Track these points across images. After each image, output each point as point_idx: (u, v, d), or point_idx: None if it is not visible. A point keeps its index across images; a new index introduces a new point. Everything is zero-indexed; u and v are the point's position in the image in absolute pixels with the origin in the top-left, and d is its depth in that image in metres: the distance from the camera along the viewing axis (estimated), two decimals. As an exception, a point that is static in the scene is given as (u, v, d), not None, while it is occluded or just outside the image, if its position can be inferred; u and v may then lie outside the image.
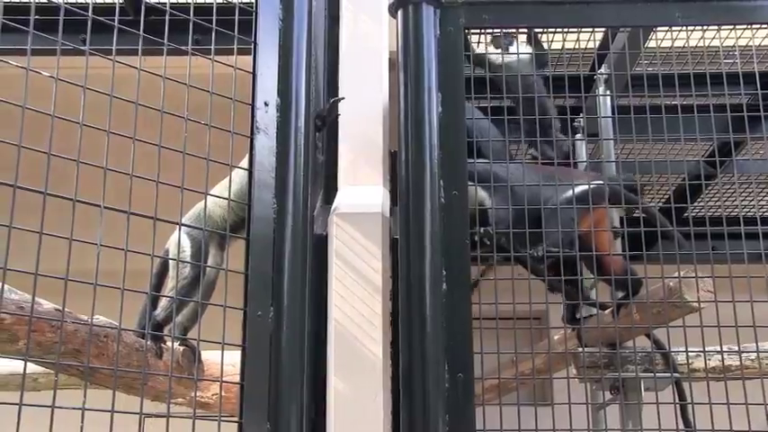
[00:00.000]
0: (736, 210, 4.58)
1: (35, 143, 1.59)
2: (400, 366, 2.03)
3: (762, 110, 2.57)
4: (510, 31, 2.85)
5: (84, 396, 1.61)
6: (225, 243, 2.85)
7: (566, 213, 2.62)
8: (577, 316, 3.10)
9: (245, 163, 2.10)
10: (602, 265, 2.86)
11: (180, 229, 2.82)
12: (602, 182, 2.88)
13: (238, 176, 2.14)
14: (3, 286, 2.27)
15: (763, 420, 2.14)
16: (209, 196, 2.20)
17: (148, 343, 2.74)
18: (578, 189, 2.78)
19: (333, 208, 2.35)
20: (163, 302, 2.80)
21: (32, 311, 2.18)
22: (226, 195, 2.16)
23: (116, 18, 1.85)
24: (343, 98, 2.37)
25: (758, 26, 2.61)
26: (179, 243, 2.79)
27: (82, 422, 1.59)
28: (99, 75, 1.73)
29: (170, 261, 2.89)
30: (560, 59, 3.26)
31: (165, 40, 1.91)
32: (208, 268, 2.77)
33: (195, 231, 2.79)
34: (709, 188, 4.76)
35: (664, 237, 2.65)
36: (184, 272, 2.80)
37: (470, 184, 2.22)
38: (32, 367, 3.10)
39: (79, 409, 1.59)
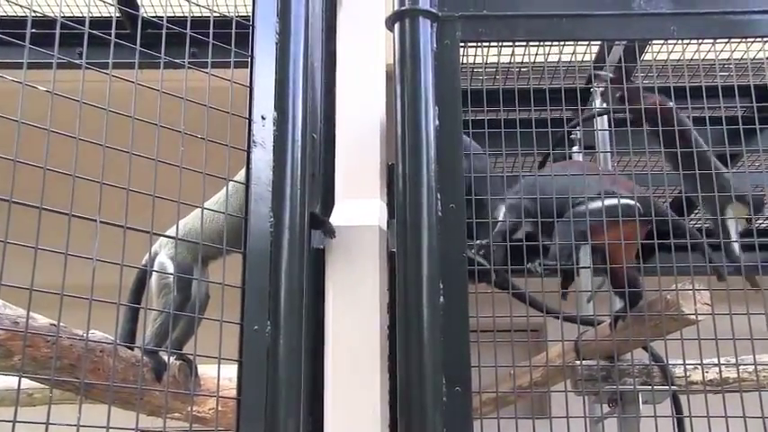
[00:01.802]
0: (732, 222, 4.57)
1: (31, 157, 1.59)
2: (398, 380, 2.03)
3: (757, 122, 2.58)
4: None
5: (80, 412, 1.60)
6: (207, 260, 2.80)
7: (578, 225, 2.59)
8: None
9: (239, 177, 2.10)
10: (616, 276, 2.87)
11: (161, 252, 2.78)
12: (633, 196, 2.82)
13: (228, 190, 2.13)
14: (-2, 301, 2.27)
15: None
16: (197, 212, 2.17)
17: (145, 359, 2.73)
18: (610, 202, 2.71)
19: (329, 221, 2.34)
20: (149, 330, 2.76)
21: (27, 327, 2.17)
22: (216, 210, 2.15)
23: (113, 32, 1.84)
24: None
25: (752, 39, 2.62)
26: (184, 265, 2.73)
27: (77, 438, 1.58)
28: (95, 88, 1.73)
29: (153, 282, 2.84)
30: (557, 72, 3.27)
31: (162, 54, 1.91)
32: (194, 290, 2.73)
33: (178, 255, 2.74)
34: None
35: (693, 249, 2.65)
36: (169, 298, 2.75)
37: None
38: (27, 383, 3.08)
39: (74, 425, 1.58)
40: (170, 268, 2.76)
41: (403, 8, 2.27)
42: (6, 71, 1.71)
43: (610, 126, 3.53)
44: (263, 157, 1.99)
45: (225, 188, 2.25)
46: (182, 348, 2.83)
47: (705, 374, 3.02)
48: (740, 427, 2.11)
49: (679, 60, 2.57)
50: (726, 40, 2.51)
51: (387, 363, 2.18)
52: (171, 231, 2.29)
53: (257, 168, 1.98)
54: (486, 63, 2.66)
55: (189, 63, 1.93)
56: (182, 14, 3.52)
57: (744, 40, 2.61)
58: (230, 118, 1.97)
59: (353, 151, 2.47)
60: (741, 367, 2.72)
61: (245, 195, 1.99)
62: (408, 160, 2.15)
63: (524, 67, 2.96)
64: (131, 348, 2.79)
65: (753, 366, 2.77)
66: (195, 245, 2.55)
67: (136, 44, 1.87)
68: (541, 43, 2.52)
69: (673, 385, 2.98)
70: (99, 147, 1.71)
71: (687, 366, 3.02)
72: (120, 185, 1.71)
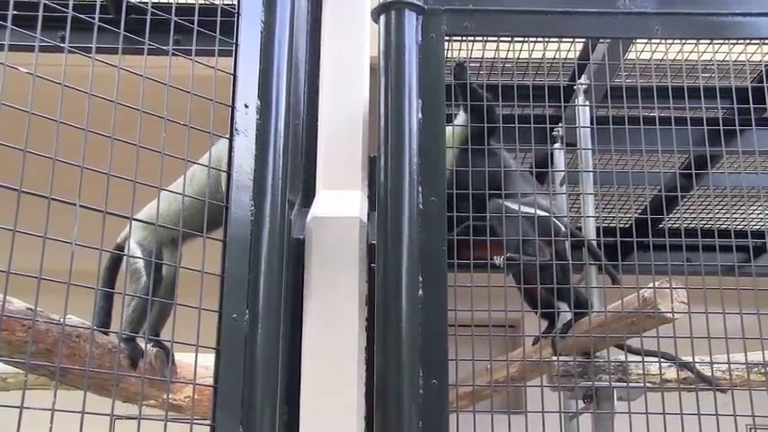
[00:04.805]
0: (710, 222, 4.62)
1: (12, 140, 1.57)
2: (375, 371, 2.03)
3: (737, 124, 2.60)
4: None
5: (55, 396, 1.59)
6: (178, 241, 2.81)
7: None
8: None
9: (204, 159, 2.12)
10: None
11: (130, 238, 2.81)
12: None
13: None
14: (-26, 284, 2.25)
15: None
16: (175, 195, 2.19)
17: (122, 345, 2.72)
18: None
19: (310, 212, 2.35)
20: (124, 316, 2.77)
21: (3, 310, 2.15)
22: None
23: (96, 16, 1.83)
24: None
25: (734, 41, 2.64)
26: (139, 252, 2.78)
27: (51, 423, 1.57)
28: (77, 73, 1.71)
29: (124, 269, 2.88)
30: (540, 69, 3.28)
31: (146, 40, 1.89)
32: (164, 273, 2.74)
33: (145, 240, 2.77)
34: (685, 200, 4.80)
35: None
36: (140, 282, 2.78)
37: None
38: (2, 367, 3.07)
39: (48, 410, 1.57)
40: (136, 253, 2.79)
41: (389, 0, 2.27)
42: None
43: (592, 123, 3.54)
44: (245, 146, 1.98)
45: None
46: (158, 335, 2.83)
47: (680, 373, 3.05)
48: (712, 424, 2.13)
49: (662, 60, 2.59)
50: (708, 41, 2.53)
51: (364, 354, 2.18)
52: (139, 215, 2.31)
53: (239, 156, 1.97)
54: (471, 57, 2.66)
55: (173, 50, 1.92)
56: (166, 1, 3.49)
57: (726, 41, 2.63)
58: (213, 106, 1.96)
59: (336, 143, 2.47)
60: (715, 366, 2.75)
61: (207, 179, 2.00)
62: (391, 152, 2.15)
63: (508, 63, 2.98)
64: (107, 334, 2.78)
65: (726, 365, 2.80)
66: (160, 228, 2.53)
67: (120, 29, 1.86)
68: (526, 39, 2.53)
69: (704, 381, 2.94)
70: (80, 132, 1.70)
71: (662, 364, 3.05)
72: (100, 170, 1.70)
